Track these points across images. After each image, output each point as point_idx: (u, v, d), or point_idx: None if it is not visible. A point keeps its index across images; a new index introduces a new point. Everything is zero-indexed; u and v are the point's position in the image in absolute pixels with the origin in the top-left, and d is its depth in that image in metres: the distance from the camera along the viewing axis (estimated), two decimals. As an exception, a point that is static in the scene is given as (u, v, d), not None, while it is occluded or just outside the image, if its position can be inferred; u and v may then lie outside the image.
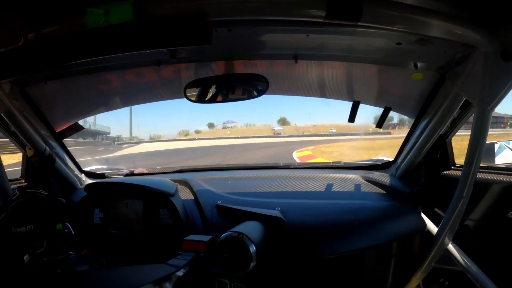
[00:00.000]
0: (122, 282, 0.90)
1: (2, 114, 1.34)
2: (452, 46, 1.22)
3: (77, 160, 1.92)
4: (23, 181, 1.72)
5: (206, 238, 1.18)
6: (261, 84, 1.54)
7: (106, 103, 1.89)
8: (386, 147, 13.11)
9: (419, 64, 1.40)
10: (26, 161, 1.70)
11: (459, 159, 1.61)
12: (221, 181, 1.84)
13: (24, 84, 1.45)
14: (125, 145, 30.42)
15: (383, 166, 2.02)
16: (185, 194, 1.67)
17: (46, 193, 1.15)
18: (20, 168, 1.74)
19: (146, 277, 0.90)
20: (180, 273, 0.97)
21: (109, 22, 0.88)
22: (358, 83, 1.71)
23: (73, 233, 1.29)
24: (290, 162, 2.31)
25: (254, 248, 1.10)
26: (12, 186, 1.41)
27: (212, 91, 1.59)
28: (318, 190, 1.71)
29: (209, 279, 1.16)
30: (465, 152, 1.22)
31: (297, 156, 13.57)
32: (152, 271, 0.94)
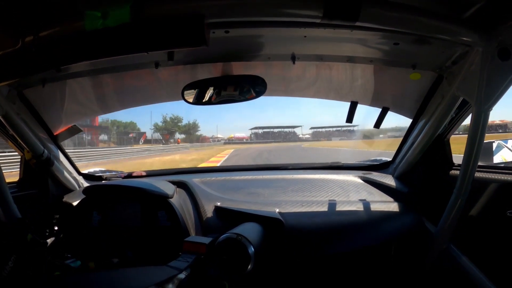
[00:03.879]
0: (124, 284, 0.90)
1: (0, 117, 1.34)
2: (450, 46, 1.23)
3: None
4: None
5: (206, 240, 1.18)
6: (259, 85, 1.54)
7: (104, 105, 1.89)
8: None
9: (416, 64, 1.41)
10: (24, 164, 1.69)
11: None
12: (219, 183, 1.84)
13: (22, 87, 1.45)
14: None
15: (381, 167, 2.03)
16: (183, 196, 1.66)
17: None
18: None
19: (148, 279, 0.90)
20: (182, 275, 0.97)
21: (107, 24, 0.88)
22: (355, 83, 1.72)
23: (42, 240, 1.27)
24: (289, 163, 2.30)
25: (253, 249, 1.10)
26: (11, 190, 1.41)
27: (209, 92, 1.59)
28: (317, 190, 1.71)
29: (209, 282, 1.15)
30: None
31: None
32: (154, 273, 0.94)
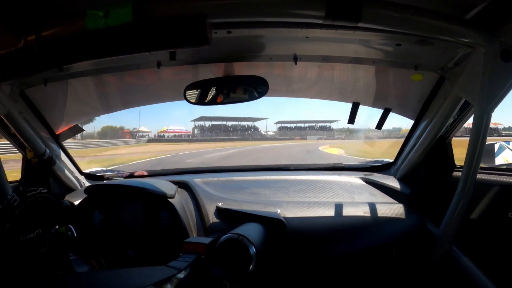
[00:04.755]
0: (122, 284, 0.90)
1: (2, 116, 1.34)
2: (452, 47, 1.23)
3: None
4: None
5: (206, 240, 1.18)
6: (261, 85, 1.55)
7: (105, 105, 1.89)
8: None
9: (418, 65, 1.41)
10: (25, 163, 1.70)
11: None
12: (221, 183, 1.84)
13: (24, 86, 1.45)
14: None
15: (383, 168, 2.02)
16: (185, 196, 1.66)
17: (45, 190, 1.13)
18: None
19: (147, 279, 0.89)
20: (181, 275, 0.97)
21: (109, 24, 0.88)
22: (357, 84, 1.72)
23: (75, 235, 1.28)
24: (291, 164, 2.30)
25: (254, 250, 1.10)
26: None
27: (212, 93, 1.60)
28: (318, 191, 1.71)
29: (209, 282, 1.15)
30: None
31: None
32: (153, 273, 0.94)
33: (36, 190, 1.11)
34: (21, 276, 1.00)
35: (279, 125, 48.41)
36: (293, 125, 48.45)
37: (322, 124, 48.02)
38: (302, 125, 48.17)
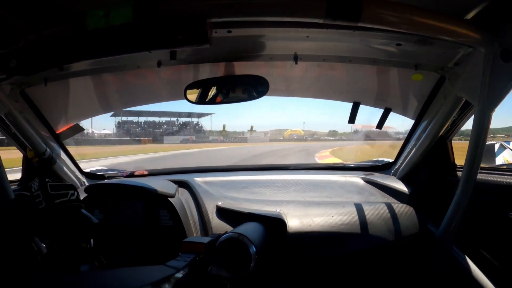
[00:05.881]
0: (120, 283, 0.90)
1: (2, 116, 1.35)
2: (452, 47, 1.23)
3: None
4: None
5: (205, 239, 1.18)
6: (261, 85, 1.55)
7: (106, 105, 1.89)
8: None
9: (419, 65, 1.41)
10: (26, 162, 1.70)
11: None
12: (221, 183, 1.84)
13: (24, 86, 1.45)
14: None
15: (383, 167, 2.02)
16: (185, 195, 1.66)
17: (76, 195, 1.06)
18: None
19: (145, 278, 0.89)
20: (179, 274, 0.97)
21: (109, 23, 0.88)
22: (358, 84, 1.71)
23: (92, 246, 1.26)
24: (291, 164, 2.30)
25: (254, 249, 1.10)
26: (13, 187, 1.41)
27: (212, 92, 1.60)
28: (318, 191, 1.71)
29: (208, 281, 1.15)
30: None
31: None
32: (151, 273, 0.94)
33: (65, 196, 1.05)
34: (21, 276, 1.00)
35: (119, 118, 30.63)
36: (142, 119, 31.72)
37: (187, 120, 31.78)
38: (157, 119, 31.97)
